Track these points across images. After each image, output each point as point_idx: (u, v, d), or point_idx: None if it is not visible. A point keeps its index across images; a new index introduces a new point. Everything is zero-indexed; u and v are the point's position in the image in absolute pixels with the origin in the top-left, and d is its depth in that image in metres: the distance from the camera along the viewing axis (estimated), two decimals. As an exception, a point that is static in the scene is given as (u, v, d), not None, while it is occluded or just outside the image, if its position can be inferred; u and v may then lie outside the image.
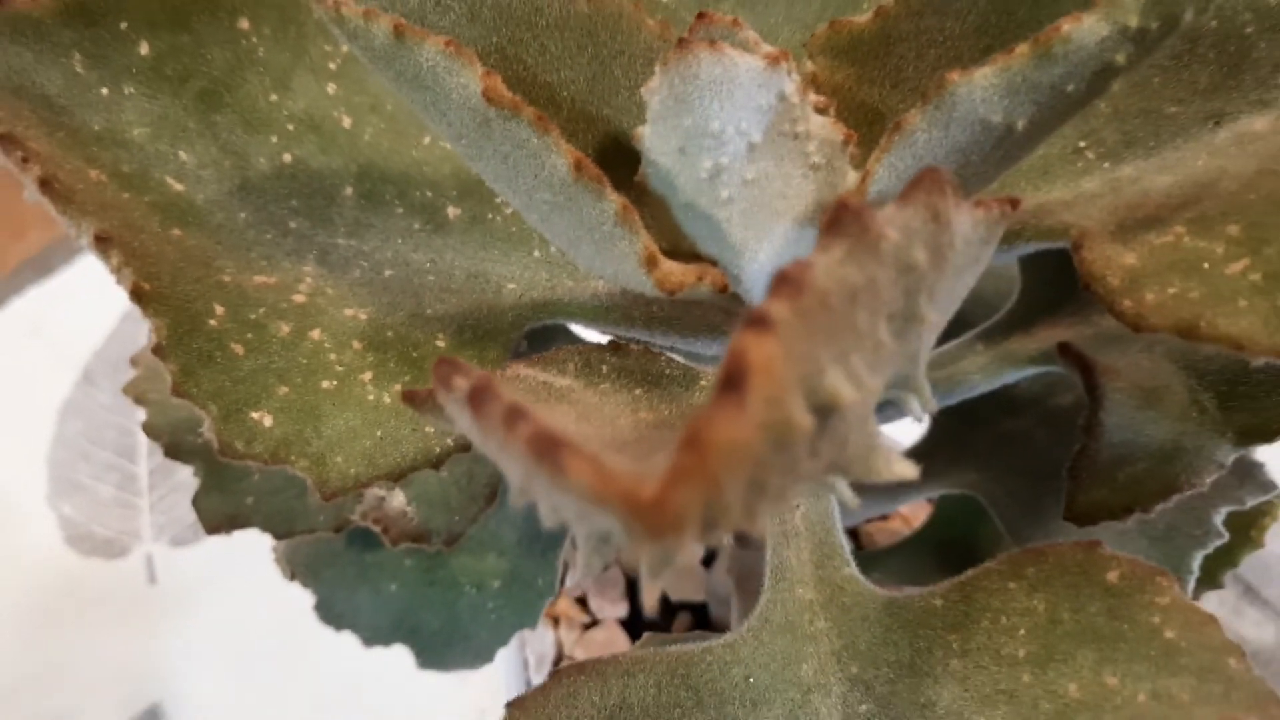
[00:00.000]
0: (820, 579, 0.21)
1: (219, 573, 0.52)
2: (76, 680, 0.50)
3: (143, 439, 0.56)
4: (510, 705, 0.20)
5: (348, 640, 0.52)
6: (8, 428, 0.57)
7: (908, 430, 0.33)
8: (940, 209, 0.14)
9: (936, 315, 0.15)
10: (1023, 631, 0.18)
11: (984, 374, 0.26)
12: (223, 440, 0.19)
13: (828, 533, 0.22)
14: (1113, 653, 0.17)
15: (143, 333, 0.60)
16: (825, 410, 0.11)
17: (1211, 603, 0.54)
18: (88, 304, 0.60)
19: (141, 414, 0.60)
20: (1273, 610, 0.53)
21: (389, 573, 0.28)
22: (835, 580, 0.21)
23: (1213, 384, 0.22)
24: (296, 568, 0.28)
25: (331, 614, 0.28)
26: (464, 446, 0.20)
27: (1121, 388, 0.22)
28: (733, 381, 0.10)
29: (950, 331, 0.28)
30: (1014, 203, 0.15)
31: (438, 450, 0.20)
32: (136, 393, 0.26)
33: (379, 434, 0.20)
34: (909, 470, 0.14)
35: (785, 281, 0.11)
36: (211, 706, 0.49)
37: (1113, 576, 0.18)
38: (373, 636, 0.28)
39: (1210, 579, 0.32)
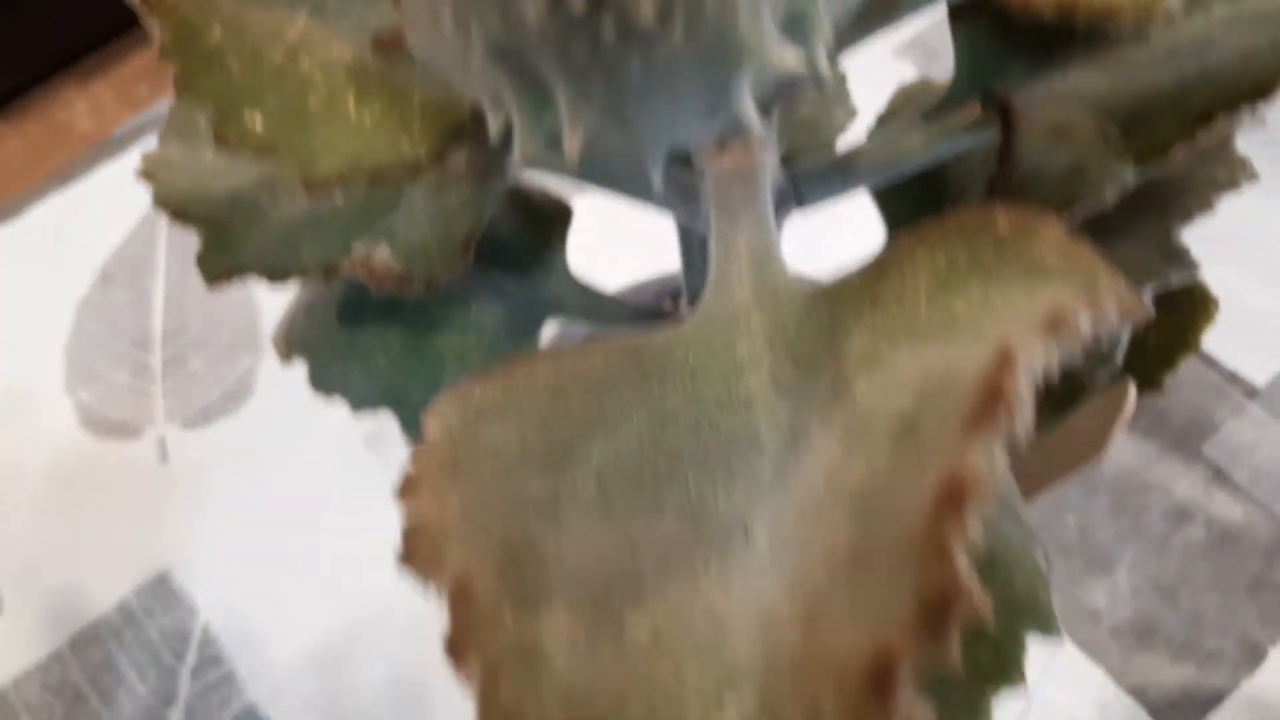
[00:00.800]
0: (757, 284, 0.23)
1: (228, 453, 0.55)
2: (91, 551, 0.53)
3: (157, 332, 0.59)
4: (474, 376, 0.22)
5: (348, 517, 0.54)
6: (30, 324, 0.60)
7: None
8: None
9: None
10: (923, 280, 0.20)
11: (922, 147, 0.28)
12: (219, 134, 0.21)
13: (766, 252, 0.24)
14: (998, 279, 0.19)
15: (159, 235, 0.63)
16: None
17: (1183, 485, 0.56)
18: (107, 208, 0.63)
19: (157, 311, 0.62)
20: (1243, 493, 0.54)
21: (378, 348, 0.30)
22: (770, 283, 0.23)
23: (1118, 119, 0.24)
24: (293, 345, 0.30)
25: (324, 382, 0.30)
26: (436, 156, 0.23)
27: (1035, 124, 0.25)
28: None
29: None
30: None
31: (411, 158, 0.23)
32: (145, 173, 0.29)
33: (360, 142, 0.23)
34: (797, 62, 0.16)
35: None
36: (217, 574, 0.52)
37: (1004, 225, 0.20)
38: (361, 402, 0.30)
39: (1150, 381, 0.33)
